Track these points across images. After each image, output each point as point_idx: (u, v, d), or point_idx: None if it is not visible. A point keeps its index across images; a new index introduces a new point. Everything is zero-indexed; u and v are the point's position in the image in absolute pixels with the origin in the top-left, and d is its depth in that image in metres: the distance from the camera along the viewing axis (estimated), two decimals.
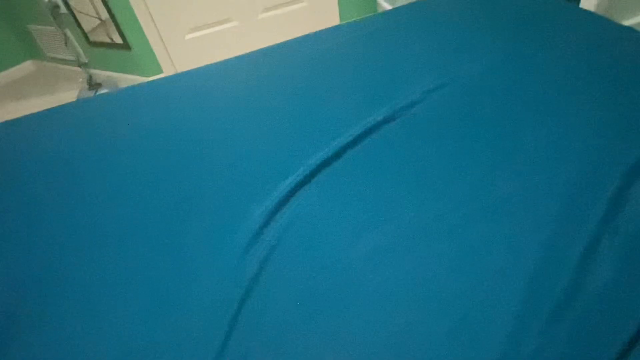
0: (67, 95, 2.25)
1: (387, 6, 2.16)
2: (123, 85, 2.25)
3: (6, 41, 2.45)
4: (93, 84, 2.22)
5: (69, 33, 2.17)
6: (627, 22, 1.29)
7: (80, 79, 2.28)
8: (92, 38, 2.17)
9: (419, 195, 0.58)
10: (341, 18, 2.31)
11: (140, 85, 0.98)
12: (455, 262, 0.49)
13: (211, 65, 1.00)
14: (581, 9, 0.96)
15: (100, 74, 2.28)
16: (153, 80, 0.98)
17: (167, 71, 2.15)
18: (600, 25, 0.87)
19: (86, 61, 2.22)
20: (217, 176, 0.68)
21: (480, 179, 0.59)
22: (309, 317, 0.47)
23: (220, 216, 0.61)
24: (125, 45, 2.05)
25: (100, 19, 2.04)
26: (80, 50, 2.22)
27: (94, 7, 2.00)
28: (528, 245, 0.48)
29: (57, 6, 2.06)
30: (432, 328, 0.44)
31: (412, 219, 0.55)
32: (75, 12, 2.06)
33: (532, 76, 0.75)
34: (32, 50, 2.52)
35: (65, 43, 2.18)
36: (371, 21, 1.04)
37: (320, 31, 1.05)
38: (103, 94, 0.97)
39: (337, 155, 0.66)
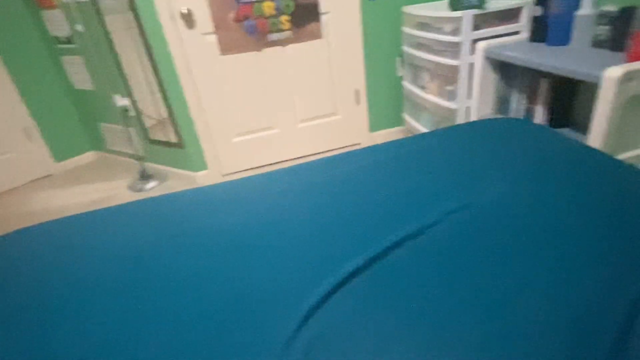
0: (121, 182, 2.51)
1: (411, 121, 2.41)
2: (171, 177, 2.50)
3: (76, 134, 2.83)
4: (145, 175, 2.48)
5: (132, 131, 2.51)
6: (630, 154, 1.43)
7: (135, 170, 2.56)
8: (151, 136, 2.49)
9: (441, 308, 0.66)
10: (370, 129, 2.58)
11: (195, 191, 1.13)
12: None
13: (256, 176, 1.16)
14: (587, 146, 1.09)
15: (152, 167, 2.56)
16: (203, 187, 1.14)
17: (212, 168, 2.40)
18: (602, 162, 0.99)
19: (142, 155, 2.51)
20: (255, 281, 0.77)
21: (496, 300, 0.66)
22: None
23: (259, 320, 0.68)
24: (180, 144, 2.34)
25: (159, 119, 2.37)
26: (139, 146, 2.53)
27: (156, 107, 2.33)
28: None
29: (127, 110, 2.43)
30: None
31: (434, 332, 0.62)
32: (141, 114, 2.42)
33: (540, 206, 0.85)
34: (96, 143, 2.88)
35: (129, 140, 2.50)
36: (398, 145, 1.21)
37: (352, 152, 1.22)
38: (159, 196, 1.14)
39: (365, 266, 0.75)
